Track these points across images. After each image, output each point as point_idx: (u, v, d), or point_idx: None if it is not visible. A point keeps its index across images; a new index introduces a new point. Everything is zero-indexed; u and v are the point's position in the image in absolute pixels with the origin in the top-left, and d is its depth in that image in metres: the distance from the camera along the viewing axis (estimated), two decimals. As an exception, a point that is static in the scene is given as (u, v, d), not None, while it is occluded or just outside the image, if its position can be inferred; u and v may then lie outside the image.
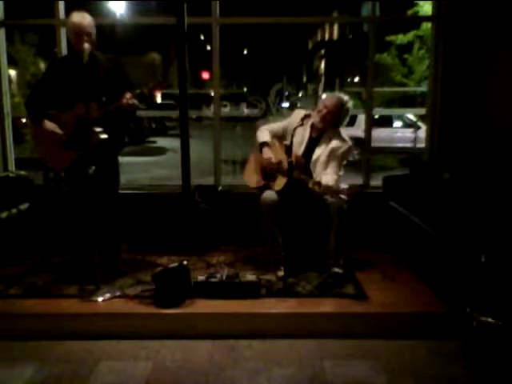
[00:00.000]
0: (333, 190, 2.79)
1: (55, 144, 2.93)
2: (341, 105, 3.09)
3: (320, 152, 3.10)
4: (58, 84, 2.90)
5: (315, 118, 3.11)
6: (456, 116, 3.81)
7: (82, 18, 2.85)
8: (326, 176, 2.95)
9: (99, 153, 2.91)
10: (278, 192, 3.11)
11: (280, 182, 3.09)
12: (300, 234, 3.21)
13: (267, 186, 3.20)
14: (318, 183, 2.79)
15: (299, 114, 3.13)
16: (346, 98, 3.14)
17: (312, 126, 3.16)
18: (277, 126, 3.33)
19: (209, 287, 2.83)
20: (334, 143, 3.09)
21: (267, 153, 3.17)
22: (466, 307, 2.41)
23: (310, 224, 3.18)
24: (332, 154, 3.08)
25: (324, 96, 3.30)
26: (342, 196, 2.74)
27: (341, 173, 3.11)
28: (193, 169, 3.74)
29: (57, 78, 2.91)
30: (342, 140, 3.11)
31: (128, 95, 2.85)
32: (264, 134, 3.26)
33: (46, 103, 2.94)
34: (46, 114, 2.92)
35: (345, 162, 3.15)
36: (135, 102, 2.88)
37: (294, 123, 3.11)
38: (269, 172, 3.19)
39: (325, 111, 3.08)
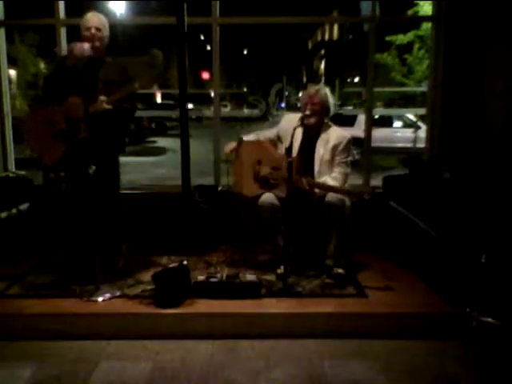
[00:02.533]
0: (325, 188, 2.93)
1: (47, 136, 2.93)
2: (318, 92, 3.10)
3: (322, 151, 3.11)
4: (62, 78, 2.96)
5: (307, 118, 3.10)
6: (456, 116, 3.81)
7: (98, 17, 3.10)
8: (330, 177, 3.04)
9: (97, 152, 2.92)
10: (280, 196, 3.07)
11: (284, 188, 3.04)
12: (300, 234, 3.21)
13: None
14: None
15: (289, 118, 3.22)
16: (317, 86, 3.18)
17: (306, 125, 3.16)
18: (269, 132, 3.33)
19: (209, 287, 2.83)
20: (334, 139, 3.11)
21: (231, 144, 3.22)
22: (466, 307, 2.41)
23: (310, 224, 3.18)
24: (335, 151, 3.09)
25: (301, 96, 3.39)
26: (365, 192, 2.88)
27: (348, 169, 3.13)
28: (193, 169, 3.74)
29: (63, 72, 2.97)
30: (341, 135, 3.14)
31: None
32: (249, 136, 3.28)
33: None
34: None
35: (350, 158, 3.16)
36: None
37: (286, 127, 3.15)
38: (271, 176, 3.15)
39: (311, 104, 3.08)
